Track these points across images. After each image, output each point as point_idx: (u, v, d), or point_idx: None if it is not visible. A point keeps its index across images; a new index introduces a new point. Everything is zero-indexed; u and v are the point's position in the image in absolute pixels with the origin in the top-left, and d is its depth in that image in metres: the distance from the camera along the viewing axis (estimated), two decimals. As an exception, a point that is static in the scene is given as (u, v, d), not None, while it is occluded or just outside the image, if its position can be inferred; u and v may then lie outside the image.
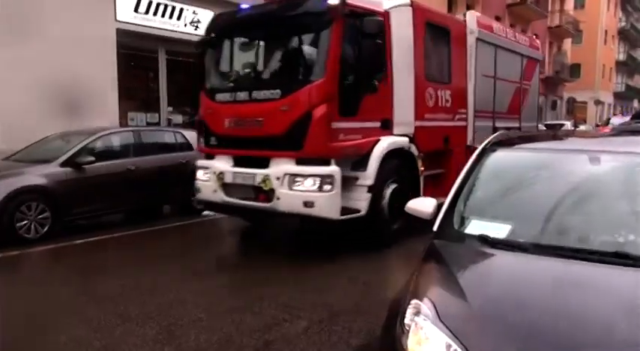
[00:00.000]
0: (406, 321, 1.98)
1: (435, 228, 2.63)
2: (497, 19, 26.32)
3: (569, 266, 2.13)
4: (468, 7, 22.36)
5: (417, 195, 5.62)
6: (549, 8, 31.72)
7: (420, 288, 2.13)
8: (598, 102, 41.36)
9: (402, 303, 2.10)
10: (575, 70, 37.47)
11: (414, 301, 2.04)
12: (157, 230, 7.22)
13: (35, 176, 6.47)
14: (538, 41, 10.38)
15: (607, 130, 14.11)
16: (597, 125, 28.61)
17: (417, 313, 1.97)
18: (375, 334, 3.57)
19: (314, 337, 3.54)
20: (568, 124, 25.29)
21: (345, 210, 5.34)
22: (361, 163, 5.55)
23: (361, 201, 5.48)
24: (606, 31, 42.43)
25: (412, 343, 1.88)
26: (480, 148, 3.14)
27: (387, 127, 5.85)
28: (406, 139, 6.06)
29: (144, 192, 7.64)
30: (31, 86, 9.09)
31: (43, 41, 9.28)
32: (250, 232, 7.50)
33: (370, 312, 3.99)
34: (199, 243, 6.94)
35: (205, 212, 8.39)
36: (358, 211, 5.43)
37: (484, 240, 2.37)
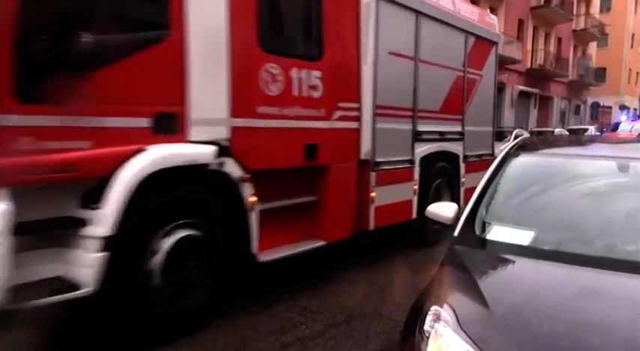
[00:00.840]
0: (426, 327, 1.95)
1: (455, 233, 2.59)
2: (521, 22, 26.06)
3: (594, 275, 2.08)
4: (492, 10, 22.15)
5: (240, 246, 3.81)
6: (574, 11, 31.21)
7: (440, 294, 2.10)
8: (623, 107, 40.53)
9: (422, 309, 2.07)
10: (599, 74, 36.75)
11: (433, 308, 2.01)
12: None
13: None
14: (494, 17, 7.75)
15: (629, 135, 13.17)
16: (602, 130, 24.66)
17: (437, 319, 1.94)
18: (392, 339, 3.56)
19: (330, 341, 3.52)
20: (592, 129, 24.78)
21: (33, 290, 2.78)
22: (95, 195, 2.98)
23: (84, 268, 2.90)
24: (633, 35, 41.55)
25: (432, 350, 1.86)
26: (502, 153, 3.10)
27: (168, 128, 3.32)
28: (212, 148, 3.50)
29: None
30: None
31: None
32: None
33: (388, 316, 3.97)
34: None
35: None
36: (76, 288, 2.86)
37: (506, 246, 2.33)
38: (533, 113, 28.53)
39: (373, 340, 3.55)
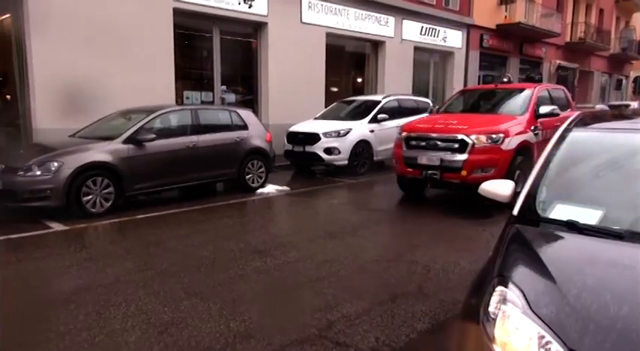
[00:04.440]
0: (491, 309, 1.88)
1: (515, 212, 2.49)
2: (561, -8, 24.88)
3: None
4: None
5: None
6: (618, -20, 29.63)
7: (505, 274, 2.01)
8: (668, 81, 38.52)
9: (484, 289, 1.99)
10: (643, 46, 34.94)
11: (499, 288, 1.93)
12: (212, 207, 7.35)
13: (100, 153, 6.69)
14: None
15: None
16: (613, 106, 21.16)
17: (504, 300, 1.86)
18: (439, 319, 3.50)
19: (377, 318, 3.49)
20: (635, 105, 23.69)
21: None
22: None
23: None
24: (681, 5, 39.18)
25: (500, 332, 1.78)
26: (561, 129, 2.94)
27: None
28: None
29: (201, 169, 7.79)
30: (95, 66, 9.39)
31: (106, 25, 9.56)
32: (303, 211, 7.53)
33: (434, 296, 3.90)
34: (255, 220, 7.02)
35: (259, 190, 8.50)
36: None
37: (573, 226, 2.21)
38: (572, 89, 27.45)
39: (420, 319, 3.50)
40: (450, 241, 5.54)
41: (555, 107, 7.79)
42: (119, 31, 9.81)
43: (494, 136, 6.90)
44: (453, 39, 18.96)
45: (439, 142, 7.14)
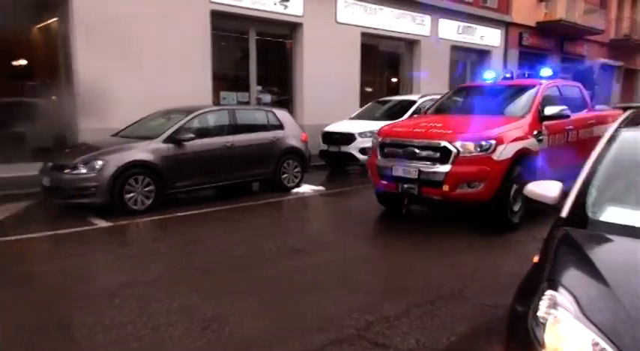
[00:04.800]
0: (540, 313, 1.83)
1: (563, 214, 2.42)
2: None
3: None
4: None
5: None
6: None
7: (554, 278, 1.96)
8: None
9: (533, 293, 1.94)
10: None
11: (548, 292, 1.88)
12: (250, 206, 7.44)
13: (142, 152, 6.89)
14: None
15: None
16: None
17: (554, 305, 1.81)
18: (479, 323, 3.44)
19: (416, 321, 3.46)
20: (684, 104, 22.55)
21: None
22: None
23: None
24: None
25: (550, 338, 1.73)
26: (611, 128, 2.84)
27: None
28: None
29: (238, 169, 7.91)
30: (137, 68, 9.67)
31: (149, 29, 9.83)
32: (338, 211, 7.53)
33: (473, 299, 3.84)
34: (291, 220, 7.08)
35: (294, 190, 8.56)
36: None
37: (628, 229, 2.13)
38: (616, 87, 26.45)
39: (459, 322, 3.45)
40: (484, 248, 5.43)
41: (565, 108, 6.39)
42: (157, 33, 10.06)
43: (483, 143, 5.59)
44: (490, 37, 18.58)
45: (418, 150, 5.86)
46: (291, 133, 8.79)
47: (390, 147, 6.18)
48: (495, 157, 5.60)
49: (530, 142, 6.03)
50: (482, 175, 5.54)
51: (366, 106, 12.35)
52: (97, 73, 9.27)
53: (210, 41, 11.06)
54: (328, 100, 12.90)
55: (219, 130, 7.88)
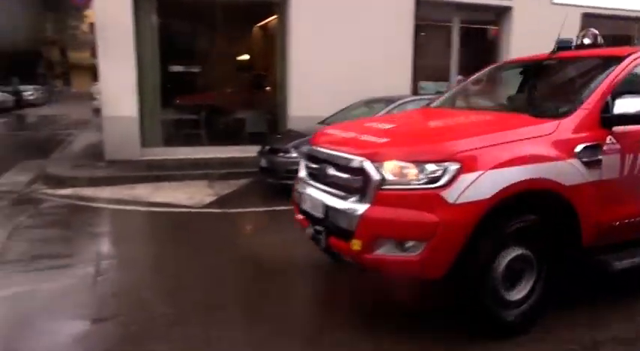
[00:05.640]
0: None
1: None
2: None
3: None
4: None
5: None
6: None
7: None
8: None
9: None
10: None
11: None
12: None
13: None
14: None
15: None
16: None
17: None
18: None
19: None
20: None
21: None
22: None
23: None
24: None
25: None
26: None
27: None
28: None
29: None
30: (341, 58, 10.18)
31: (355, 21, 10.27)
32: None
33: None
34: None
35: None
36: None
37: None
38: None
39: None
40: None
41: None
42: (363, 25, 10.37)
43: (430, 166, 2.95)
44: None
45: (331, 171, 3.49)
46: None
47: (310, 161, 3.88)
48: (450, 196, 2.89)
49: (562, 168, 3.14)
50: (419, 231, 2.94)
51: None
52: (306, 64, 10.01)
53: (413, 31, 10.99)
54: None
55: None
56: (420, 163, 2.94)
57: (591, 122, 3.33)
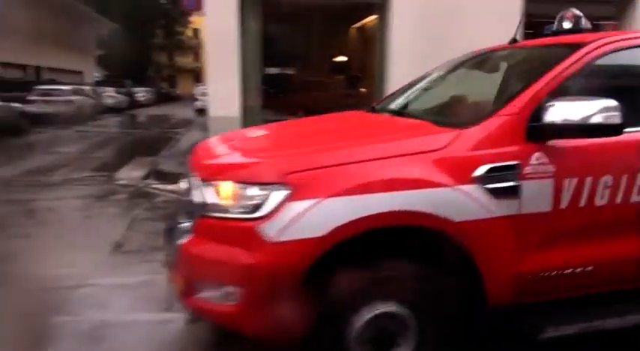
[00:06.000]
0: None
1: None
2: None
3: None
4: None
5: None
6: None
7: None
8: None
9: None
10: None
11: None
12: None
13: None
14: None
15: None
16: None
17: None
18: None
19: None
20: None
21: None
22: None
23: None
24: None
25: None
26: None
27: None
28: None
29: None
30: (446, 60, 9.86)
31: (463, 17, 9.95)
32: None
33: None
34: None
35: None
36: None
37: None
38: None
39: None
40: None
41: (612, 106, 2.28)
42: (464, 25, 9.98)
43: (250, 189, 2.28)
44: None
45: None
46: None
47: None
48: (270, 231, 2.20)
49: (448, 197, 2.29)
50: (231, 275, 2.31)
51: None
52: (403, 68, 9.81)
53: (522, 30, 10.38)
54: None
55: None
56: (246, 184, 2.28)
57: (511, 133, 2.39)
